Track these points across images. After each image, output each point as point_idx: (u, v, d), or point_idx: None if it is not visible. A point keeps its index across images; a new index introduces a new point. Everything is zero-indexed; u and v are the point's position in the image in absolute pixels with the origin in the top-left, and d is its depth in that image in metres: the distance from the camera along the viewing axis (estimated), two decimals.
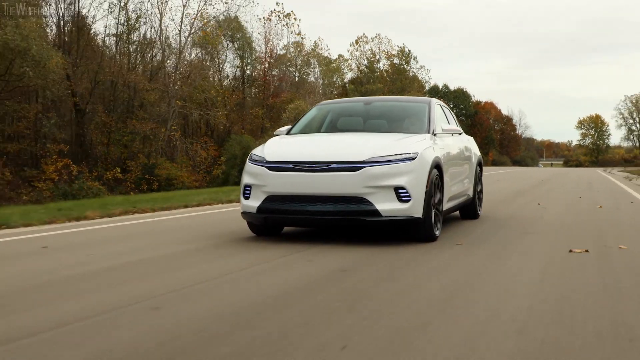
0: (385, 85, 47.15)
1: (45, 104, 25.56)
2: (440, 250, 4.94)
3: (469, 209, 7.36)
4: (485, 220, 7.22)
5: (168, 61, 29.33)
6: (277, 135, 6.50)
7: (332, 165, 5.07)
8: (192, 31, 28.99)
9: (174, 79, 28.13)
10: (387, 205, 4.98)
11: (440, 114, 6.78)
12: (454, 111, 67.54)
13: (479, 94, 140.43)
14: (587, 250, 4.73)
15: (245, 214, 5.56)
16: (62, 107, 26.83)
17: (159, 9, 28.50)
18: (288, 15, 36.31)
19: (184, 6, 28.34)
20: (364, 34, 54.74)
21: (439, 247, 5.10)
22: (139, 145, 28.14)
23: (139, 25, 29.16)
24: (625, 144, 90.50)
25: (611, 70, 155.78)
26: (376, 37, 49.49)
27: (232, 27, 32.09)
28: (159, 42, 29.25)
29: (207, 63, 31.82)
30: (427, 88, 59.98)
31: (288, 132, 6.52)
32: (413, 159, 5.16)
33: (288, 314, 2.90)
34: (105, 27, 27.66)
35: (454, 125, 7.12)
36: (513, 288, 3.48)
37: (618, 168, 50.71)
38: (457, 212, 7.43)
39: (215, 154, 30.74)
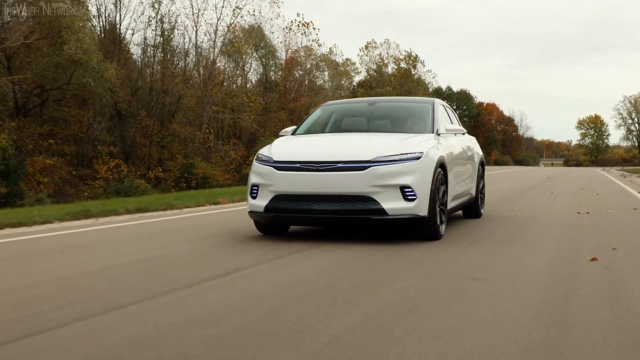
0: (393, 89, 50.41)
1: (96, 110, 28.72)
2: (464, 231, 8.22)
3: (472, 208, 7.70)
4: (519, 201, 10.52)
5: (201, 69, 32.55)
6: (282, 135, 6.73)
7: (339, 165, 5.30)
8: (224, 42, 32.22)
9: (208, 85, 31.35)
10: (393, 204, 5.22)
11: (444, 114, 6.99)
12: (457, 112, 70.84)
13: (478, 94, 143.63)
14: (587, 212, 8.09)
15: (252, 213, 5.78)
16: (107, 112, 29.97)
17: (194, 21, 31.74)
18: (307, 24, 39.58)
19: (218, 19, 31.55)
20: (373, 40, 58.15)
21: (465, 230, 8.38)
22: (177, 147, 31.34)
23: (174, 36, 32.35)
24: (624, 144, 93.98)
25: (610, 71, 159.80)
26: (385, 42, 52.85)
27: (257, 37, 35.34)
28: (193, 52, 32.49)
29: (237, 71, 35.05)
30: (430, 90, 63.34)
31: (293, 133, 6.73)
32: (418, 158, 5.41)
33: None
34: (145, 39, 30.66)
35: (457, 125, 7.35)
36: (550, 226, 6.79)
37: (616, 167, 54.19)
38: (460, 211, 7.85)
39: (243, 154, 33.96)
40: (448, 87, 72.27)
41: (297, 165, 5.44)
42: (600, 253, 4.79)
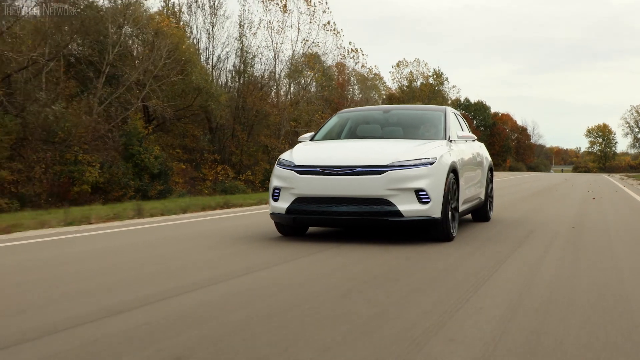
0: (423, 102, 59.80)
1: (202, 125, 37.91)
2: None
3: (481, 212, 8.36)
4: (556, 188, 19.71)
5: (278, 90, 41.88)
6: (301, 141, 7.33)
7: (357, 169, 5.90)
8: (297, 69, 41.55)
9: (286, 105, 40.62)
10: (408, 207, 5.83)
11: (455, 122, 7.62)
12: (474, 122, 79.96)
13: (483, 100, 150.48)
14: (592, 191, 17.42)
15: (274, 214, 6.39)
16: (208, 126, 39.16)
17: (273, 51, 41.07)
18: (356, 50, 48.84)
19: (293, 51, 40.89)
20: (404, 59, 67.48)
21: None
22: (261, 155, 40.60)
23: (254, 64, 41.63)
24: (631, 151, 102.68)
25: (618, 76, 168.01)
26: (415, 60, 62.30)
27: (319, 64, 44.67)
28: (271, 76, 41.83)
29: (304, 92, 44.31)
30: (449, 102, 72.56)
31: (312, 139, 7.38)
32: (432, 163, 6.01)
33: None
34: (234, 66, 39.96)
35: (467, 132, 7.95)
36: (575, 196, 16.00)
37: (621, 174, 63.61)
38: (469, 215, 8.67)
39: None
40: (466, 98, 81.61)
41: (318, 169, 5.99)
42: (597, 198, 14.08)
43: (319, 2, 40.96)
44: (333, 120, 7.89)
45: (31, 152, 24.33)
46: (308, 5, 41.63)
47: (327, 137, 7.48)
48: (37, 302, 3.82)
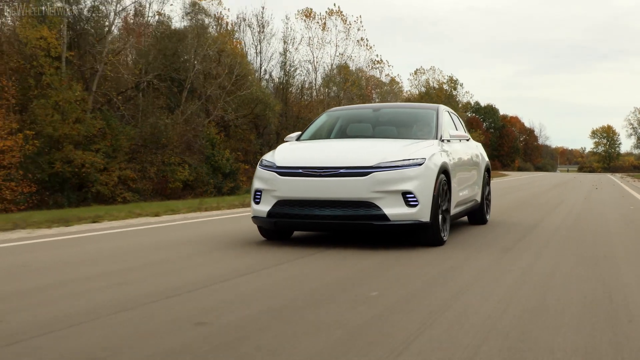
0: None
1: (253, 130, 44.84)
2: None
3: (477, 214, 8.51)
4: (568, 184, 26.71)
5: (315, 98, 48.88)
6: (287, 141, 7.26)
7: (341, 171, 5.82)
8: (334, 81, 48.55)
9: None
10: (395, 210, 5.75)
11: (448, 120, 7.68)
12: (484, 125, 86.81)
13: (486, 101, 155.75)
14: (595, 184, 24.51)
15: (255, 218, 6.35)
16: (254, 131, 46.09)
17: (313, 65, 48.09)
18: (380, 61, 55.76)
19: (331, 64, 47.90)
20: (421, 67, 74.50)
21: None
22: None
23: (296, 75, 48.62)
24: (635, 152, 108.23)
25: (620, 76, 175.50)
26: (430, 69, 69.38)
27: (351, 74, 51.69)
28: (306, 86, 48.88)
29: (337, 99, 51.30)
30: (459, 105, 79.25)
31: (298, 138, 7.32)
32: (420, 164, 5.93)
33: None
34: (278, 78, 46.90)
35: (462, 131, 8.04)
36: (583, 188, 23.00)
37: (622, 173, 70.64)
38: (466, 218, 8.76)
39: None
40: (476, 102, 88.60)
41: (300, 170, 5.99)
42: (599, 188, 21.24)
43: (355, 20, 47.62)
44: (321, 119, 7.92)
45: (145, 155, 31.22)
46: (344, 23, 48.63)
47: (315, 136, 7.49)
48: None
